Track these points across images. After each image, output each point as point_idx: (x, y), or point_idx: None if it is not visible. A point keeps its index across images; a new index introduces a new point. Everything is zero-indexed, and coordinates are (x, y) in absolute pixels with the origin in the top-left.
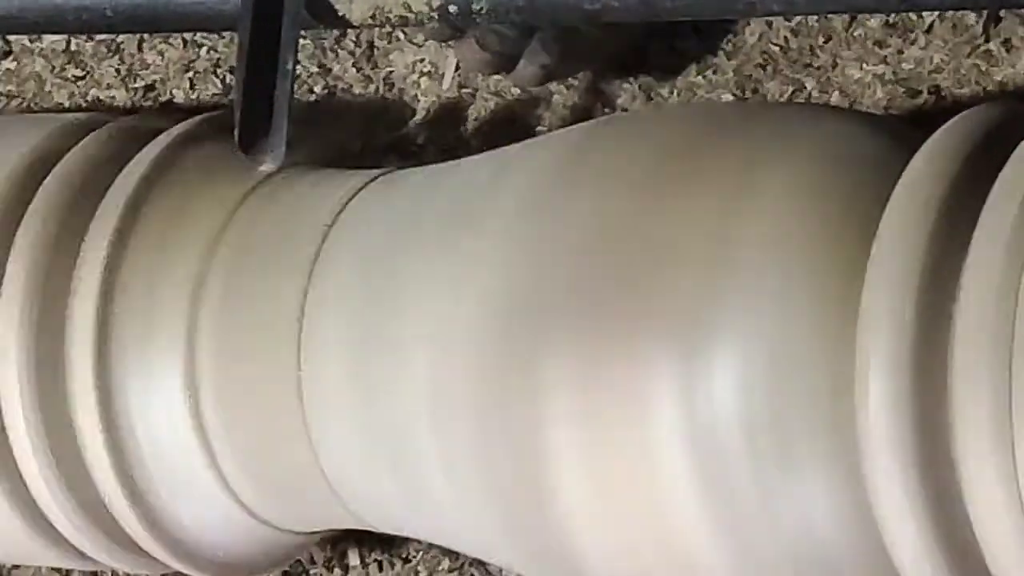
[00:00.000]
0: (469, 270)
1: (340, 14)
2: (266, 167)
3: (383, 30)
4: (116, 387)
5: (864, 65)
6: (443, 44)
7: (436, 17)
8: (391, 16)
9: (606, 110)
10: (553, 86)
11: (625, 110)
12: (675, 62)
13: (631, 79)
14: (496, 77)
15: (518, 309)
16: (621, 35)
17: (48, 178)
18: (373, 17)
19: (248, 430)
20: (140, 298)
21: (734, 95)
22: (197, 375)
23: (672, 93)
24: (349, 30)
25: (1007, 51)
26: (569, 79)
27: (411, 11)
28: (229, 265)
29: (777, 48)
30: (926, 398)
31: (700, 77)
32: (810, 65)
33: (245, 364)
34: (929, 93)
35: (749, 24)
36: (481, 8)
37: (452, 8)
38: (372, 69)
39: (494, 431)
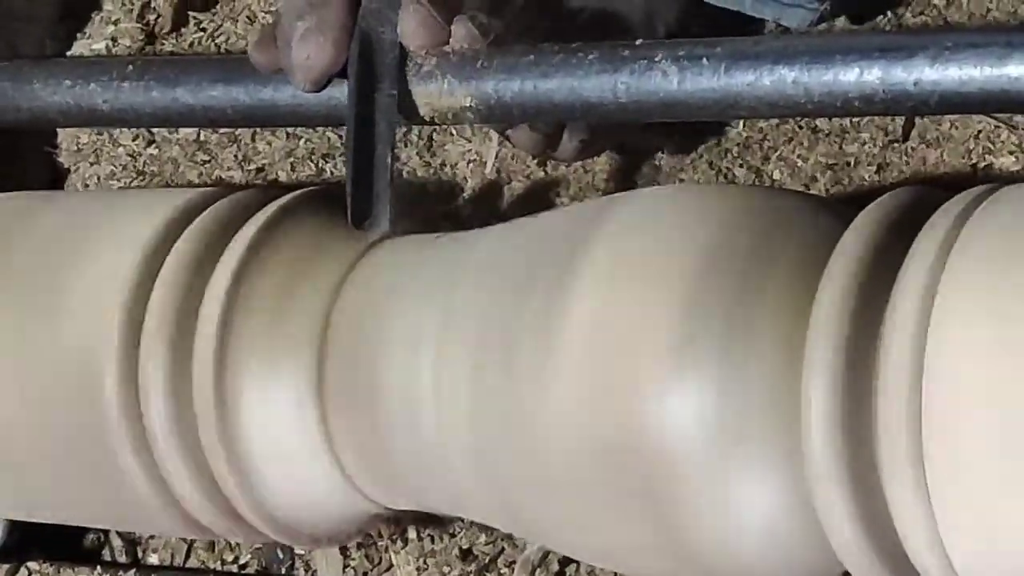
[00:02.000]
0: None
1: (420, 113)
2: (375, 239)
3: (441, 127)
4: (231, 398)
5: (811, 157)
6: (490, 134)
7: (473, 116)
8: (447, 114)
9: (614, 189)
10: (570, 172)
11: (628, 187)
12: (668, 148)
13: (637, 167)
14: (526, 165)
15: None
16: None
17: (182, 235)
18: (435, 113)
19: (351, 431)
20: (260, 329)
21: (710, 178)
22: (324, 391)
23: (665, 176)
24: (413, 127)
25: (925, 146)
26: (579, 168)
27: (459, 110)
28: (343, 306)
29: (743, 140)
30: (854, 420)
31: (686, 161)
32: (768, 157)
33: (349, 382)
34: (862, 179)
35: (726, 124)
36: (511, 110)
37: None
38: (431, 157)
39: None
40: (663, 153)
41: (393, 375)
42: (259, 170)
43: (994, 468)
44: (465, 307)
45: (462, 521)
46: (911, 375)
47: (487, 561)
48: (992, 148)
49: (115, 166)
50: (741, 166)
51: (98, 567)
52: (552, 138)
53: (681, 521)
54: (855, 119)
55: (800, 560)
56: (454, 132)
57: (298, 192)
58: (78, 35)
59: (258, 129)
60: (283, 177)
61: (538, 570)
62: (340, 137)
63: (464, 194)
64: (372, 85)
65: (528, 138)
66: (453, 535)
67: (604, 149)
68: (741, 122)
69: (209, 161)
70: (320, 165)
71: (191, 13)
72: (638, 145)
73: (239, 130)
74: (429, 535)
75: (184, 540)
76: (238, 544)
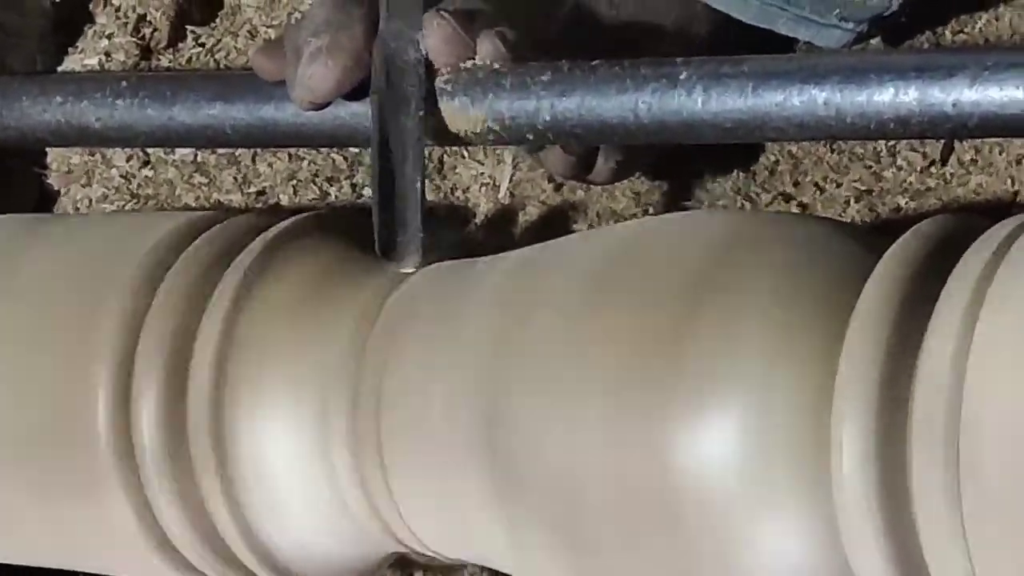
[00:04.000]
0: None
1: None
2: (406, 270)
3: (450, 149)
4: (230, 439)
5: (843, 182)
6: (503, 156)
7: (487, 137)
8: (461, 135)
9: (633, 215)
10: (589, 197)
11: (648, 213)
12: (692, 171)
13: (656, 185)
14: (541, 189)
15: None
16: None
17: (177, 261)
18: (449, 134)
19: (359, 471)
20: (252, 363)
21: (736, 204)
22: (334, 434)
23: (691, 200)
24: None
25: (964, 172)
26: (598, 192)
27: (473, 131)
28: (355, 346)
29: (771, 164)
30: (888, 465)
31: (711, 185)
32: (798, 182)
33: (346, 417)
34: (897, 206)
35: (753, 146)
36: (527, 130)
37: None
38: (441, 180)
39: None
40: (690, 176)
41: (368, 420)
42: (260, 193)
43: None
44: (475, 358)
45: (473, 566)
46: (947, 416)
47: None
48: None
49: (108, 188)
50: (768, 191)
51: None
52: (586, 160)
53: (705, 560)
54: (890, 142)
55: None
56: (466, 154)
57: (300, 216)
58: (70, 49)
59: (259, 150)
60: (285, 201)
61: None
62: (346, 159)
63: (476, 220)
64: (396, 107)
65: (561, 160)
66: None
67: (639, 170)
68: (769, 145)
69: (207, 183)
70: (324, 188)
71: (189, 27)
72: (674, 166)
73: (239, 151)
74: None
75: None
76: None
